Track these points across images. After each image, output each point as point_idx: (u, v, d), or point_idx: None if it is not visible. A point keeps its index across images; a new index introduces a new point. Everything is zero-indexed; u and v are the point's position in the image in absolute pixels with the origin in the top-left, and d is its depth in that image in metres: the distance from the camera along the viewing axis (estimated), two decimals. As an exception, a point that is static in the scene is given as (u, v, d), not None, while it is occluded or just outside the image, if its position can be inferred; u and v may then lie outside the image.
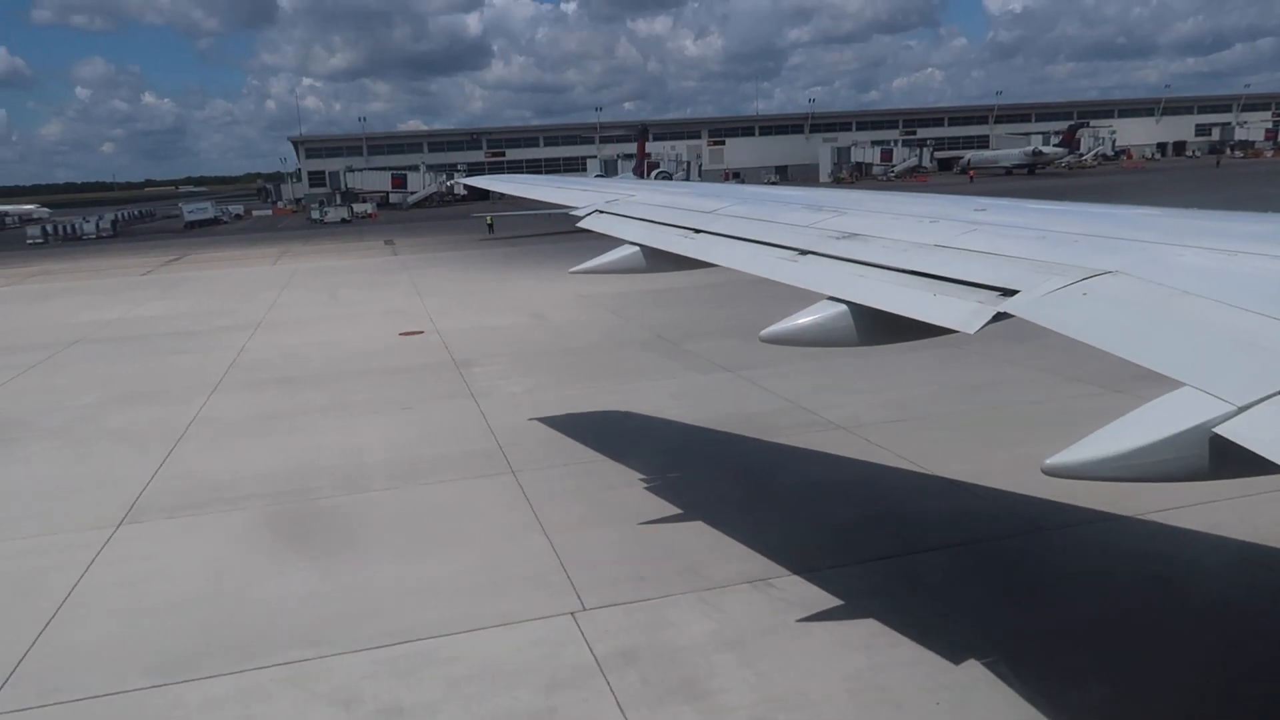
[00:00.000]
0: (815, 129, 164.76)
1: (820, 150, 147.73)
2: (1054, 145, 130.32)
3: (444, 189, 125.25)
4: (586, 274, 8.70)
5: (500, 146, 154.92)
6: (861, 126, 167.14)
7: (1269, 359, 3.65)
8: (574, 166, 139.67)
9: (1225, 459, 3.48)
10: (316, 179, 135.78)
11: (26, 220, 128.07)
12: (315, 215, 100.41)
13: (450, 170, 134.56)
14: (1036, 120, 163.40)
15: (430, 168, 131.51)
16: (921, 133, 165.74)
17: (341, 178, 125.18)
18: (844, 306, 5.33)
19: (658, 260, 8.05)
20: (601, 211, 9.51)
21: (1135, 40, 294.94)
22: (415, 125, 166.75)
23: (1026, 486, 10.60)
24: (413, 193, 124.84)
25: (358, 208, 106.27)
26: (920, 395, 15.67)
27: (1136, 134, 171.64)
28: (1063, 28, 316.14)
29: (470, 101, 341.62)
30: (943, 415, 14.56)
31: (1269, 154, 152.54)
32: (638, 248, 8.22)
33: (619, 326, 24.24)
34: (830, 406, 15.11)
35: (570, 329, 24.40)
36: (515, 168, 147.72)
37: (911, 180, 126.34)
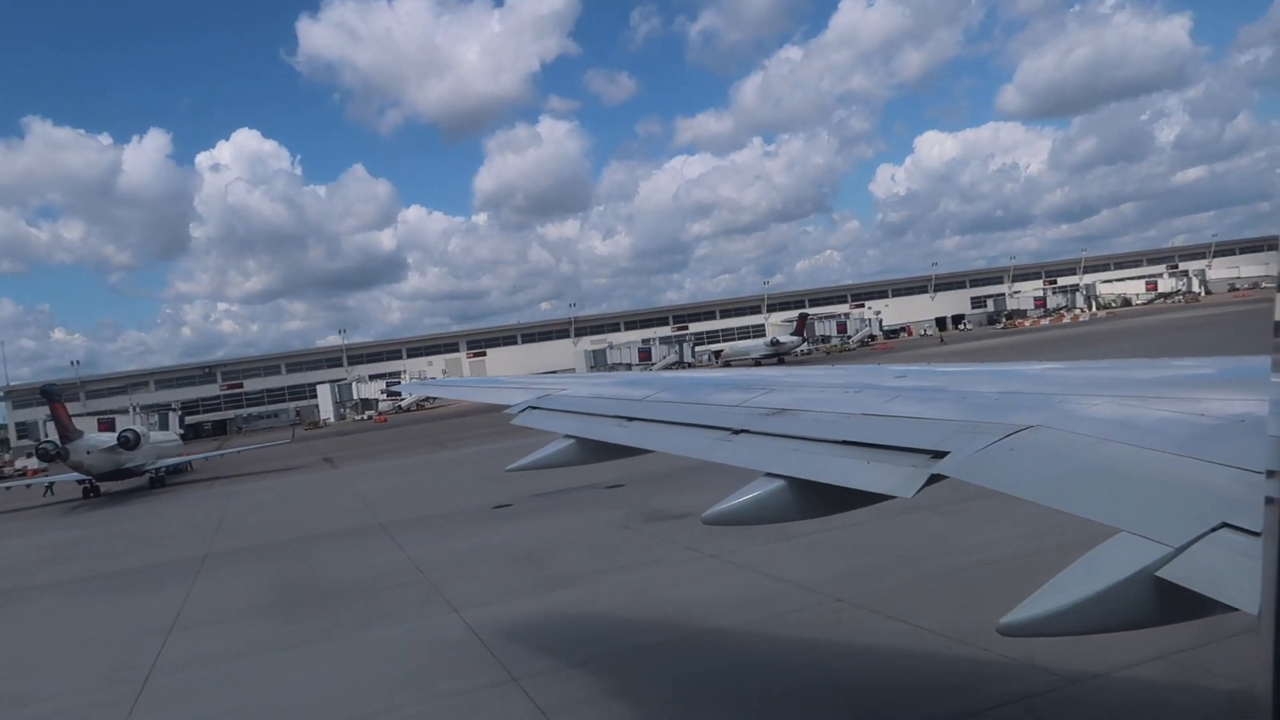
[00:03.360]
0: (581, 332, 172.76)
1: (575, 354, 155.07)
2: (789, 335, 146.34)
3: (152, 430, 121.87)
4: (524, 470, 8.93)
5: (237, 378, 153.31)
6: (630, 325, 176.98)
7: (1196, 499, 3.97)
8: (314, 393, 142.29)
9: (1171, 602, 3.68)
10: (25, 431, 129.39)
11: None
12: None
13: (165, 409, 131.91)
14: (810, 305, 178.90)
15: (144, 408, 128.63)
16: (694, 327, 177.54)
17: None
18: (782, 481, 5.74)
19: (592, 451, 8.43)
20: (535, 408, 9.97)
21: (1012, 213, 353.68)
22: (332, 340, 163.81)
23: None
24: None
25: (20, 463, 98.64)
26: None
27: (917, 311, 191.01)
28: (945, 205, 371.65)
29: (388, 313, 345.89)
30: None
31: (1028, 322, 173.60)
32: (573, 440, 8.58)
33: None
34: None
35: None
36: (255, 399, 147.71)
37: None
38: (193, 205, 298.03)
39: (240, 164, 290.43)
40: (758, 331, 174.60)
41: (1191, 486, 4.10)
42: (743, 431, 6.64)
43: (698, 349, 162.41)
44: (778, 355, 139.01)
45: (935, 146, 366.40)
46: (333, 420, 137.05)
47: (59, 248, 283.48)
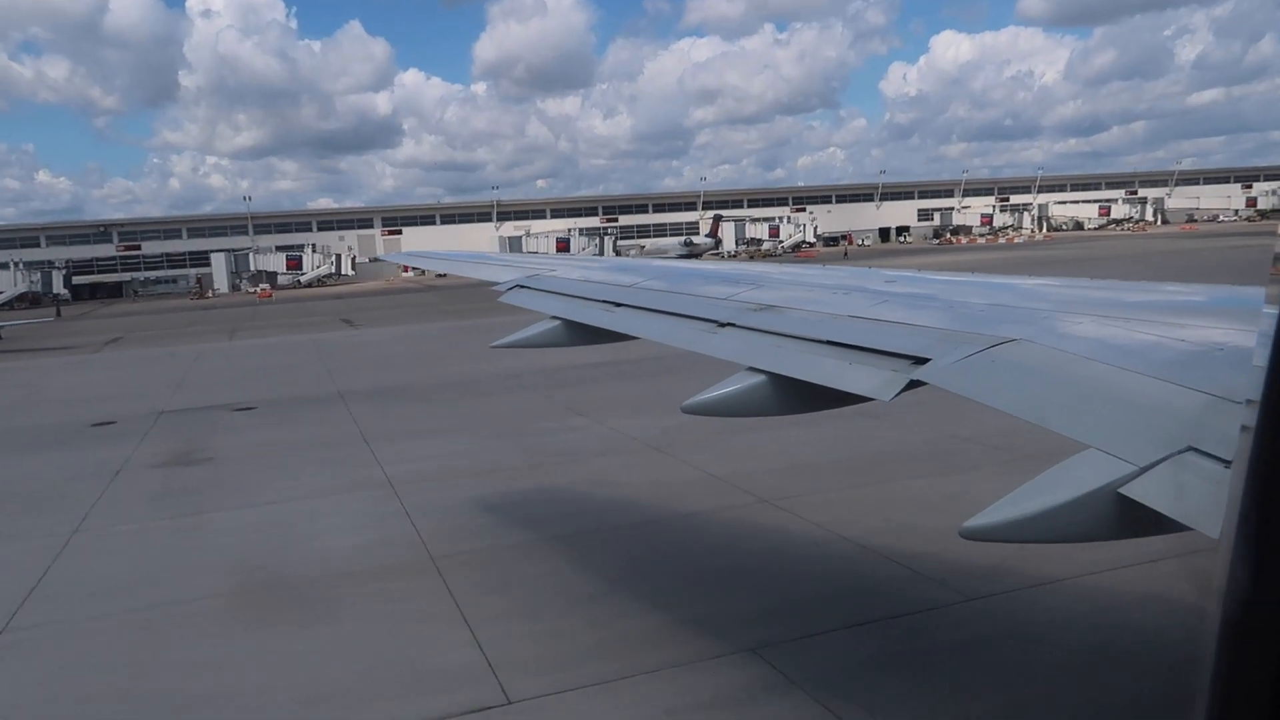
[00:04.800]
0: (504, 216, 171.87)
1: (496, 238, 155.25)
2: (704, 236, 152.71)
3: (34, 288, 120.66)
4: (508, 347, 9.13)
5: (135, 239, 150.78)
6: (556, 213, 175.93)
7: (1165, 421, 4.28)
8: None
9: (1130, 518, 4.05)
10: None
11: None
12: None
13: (49, 267, 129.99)
14: (749, 206, 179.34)
15: (27, 265, 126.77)
16: (624, 219, 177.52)
17: None
18: (764, 377, 6.05)
19: (578, 334, 8.72)
20: (522, 286, 10.25)
21: (1021, 123, 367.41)
22: (325, 203, 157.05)
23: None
24: (1, 292, 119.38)
25: None
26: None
27: (864, 219, 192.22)
28: (955, 109, 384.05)
29: (381, 179, 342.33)
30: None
31: (965, 239, 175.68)
32: (559, 322, 8.89)
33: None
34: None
35: None
36: (153, 263, 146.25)
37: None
38: (182, 52, 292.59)
39: (233, 11, 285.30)
40: (691, 229, 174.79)
41: (1163, 409, 4.41)
42: (729, 325, 6.93)
43: (622, 243, 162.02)
44: (692, 256, 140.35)
45: (951, 47, 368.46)
46: (226, 291, 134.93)
47: (43, 86, 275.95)
